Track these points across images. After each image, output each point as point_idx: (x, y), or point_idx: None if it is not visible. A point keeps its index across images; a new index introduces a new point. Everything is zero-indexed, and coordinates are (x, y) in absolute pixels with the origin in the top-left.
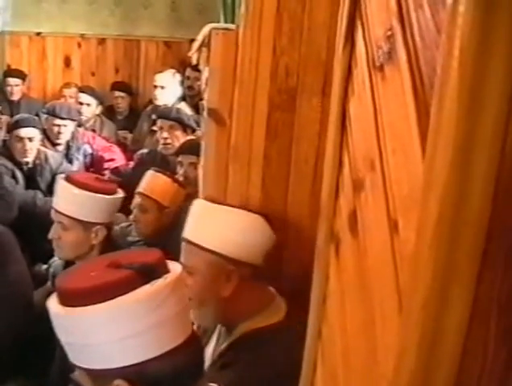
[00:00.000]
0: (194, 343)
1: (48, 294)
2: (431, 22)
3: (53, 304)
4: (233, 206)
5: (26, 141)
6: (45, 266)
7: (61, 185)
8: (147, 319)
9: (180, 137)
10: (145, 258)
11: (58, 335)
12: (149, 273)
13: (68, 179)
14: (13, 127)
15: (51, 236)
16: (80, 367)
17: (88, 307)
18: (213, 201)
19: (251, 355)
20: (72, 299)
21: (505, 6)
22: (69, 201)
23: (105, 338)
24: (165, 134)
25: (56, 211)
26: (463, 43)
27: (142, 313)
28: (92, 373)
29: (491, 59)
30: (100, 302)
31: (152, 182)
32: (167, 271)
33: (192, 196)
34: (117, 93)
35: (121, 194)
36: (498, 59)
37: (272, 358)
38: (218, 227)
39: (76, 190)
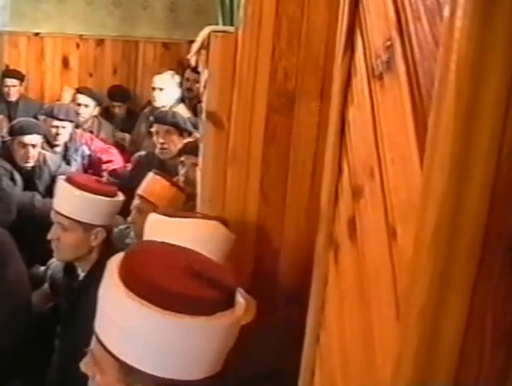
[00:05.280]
0: (222, 376)
1: (45, 296)
2: (429, 34)
3: (115, 278)
4: (186, 216)
5: (30, 148)
6: (43, 268)
7: (62, 186)
8: (208, 345)
9: (177, 142)
10: (223, 274)
11: (100, 303)
12: (231, 300)
13: (69, 180)
14: (17, 132)
15: (50, 236)
16: (106, 348)
17: (163, 311)
18: (166, 214)
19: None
20: (146, 292)
21: (502, 20)
22: (69, 202)
23: (158, 346)
24: (161, 139)
25: (56, 212)
26: (460, 56)
27: (208, 339)
28: (122, 364)
29: (487, 73)
30: (176, 312)
31: (151, 184)
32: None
33: (192, 197)
34: (115, 103)
35: (121, 197)
36: (494, 73)
37: (255, 358)
38: (176, 241)
39: (77, 192)
